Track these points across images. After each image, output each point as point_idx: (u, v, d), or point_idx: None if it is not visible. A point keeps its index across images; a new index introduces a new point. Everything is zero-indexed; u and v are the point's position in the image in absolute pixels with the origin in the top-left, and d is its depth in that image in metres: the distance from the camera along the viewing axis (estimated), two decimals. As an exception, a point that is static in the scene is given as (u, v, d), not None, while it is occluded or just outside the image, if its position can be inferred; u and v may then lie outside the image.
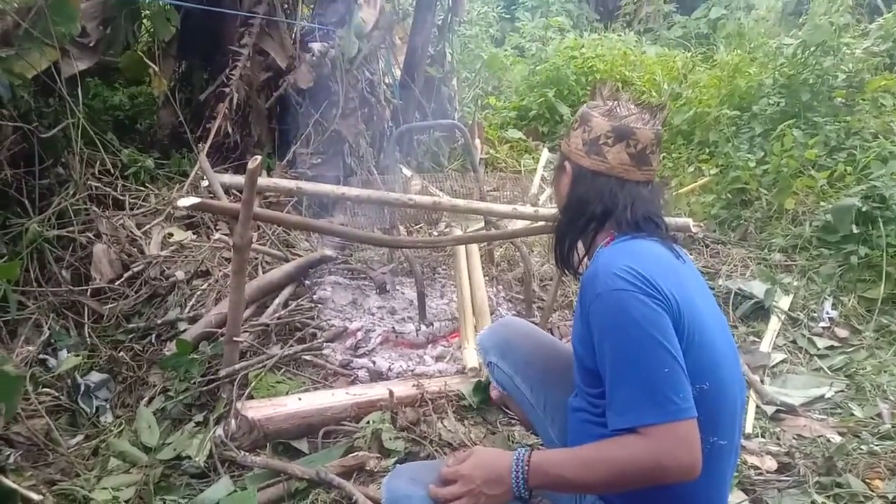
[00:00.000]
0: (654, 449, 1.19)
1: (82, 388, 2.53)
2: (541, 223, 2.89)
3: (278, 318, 2.92)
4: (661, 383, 1.20)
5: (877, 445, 2.43)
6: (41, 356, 2.71)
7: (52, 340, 2.80)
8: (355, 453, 2.20)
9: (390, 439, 2.25)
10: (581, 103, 1.49)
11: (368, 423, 2.32)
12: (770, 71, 5.33)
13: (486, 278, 3.40)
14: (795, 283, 3.68)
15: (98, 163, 3.57)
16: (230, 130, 3.98)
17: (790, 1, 7.62)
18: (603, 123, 1.42)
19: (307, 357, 2.74)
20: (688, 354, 1.26)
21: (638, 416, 1.21)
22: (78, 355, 2.67)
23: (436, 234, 4.09)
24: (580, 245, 1.54)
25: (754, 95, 5.27)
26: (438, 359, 2.87)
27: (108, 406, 2.55)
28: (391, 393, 2.41)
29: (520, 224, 3.32)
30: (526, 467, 1.31)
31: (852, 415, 2.70)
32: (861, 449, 2.41)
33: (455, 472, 1.37)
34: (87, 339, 2.83)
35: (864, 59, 4.95)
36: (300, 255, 3.42)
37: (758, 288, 3.53)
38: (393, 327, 3.05)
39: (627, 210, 1.40)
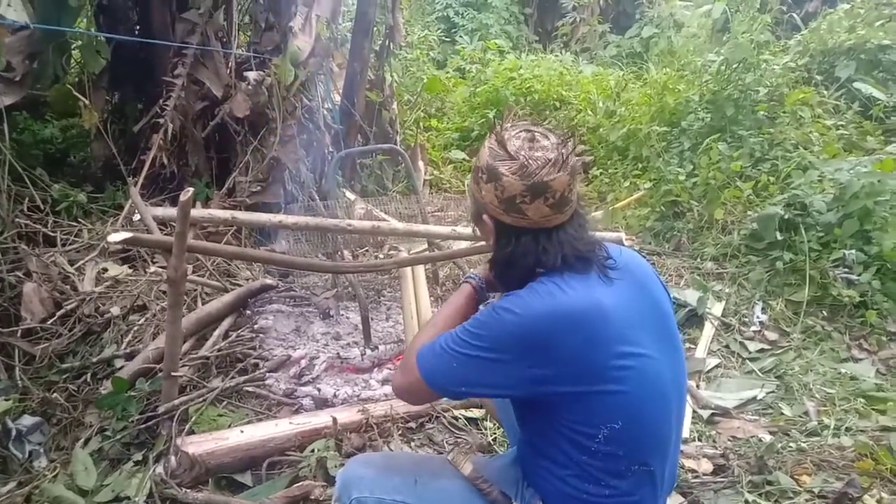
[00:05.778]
0: (407, 375, 1.43)
1: (13, 433, 2.43)
2: (482, 243, 2.94)
3: (218, 350, 2.89)
4: (447, 361, 1.35)
5: (804, 442, 2.56)
6: (-32, 402, 2.60)
7: (-20, 385, 2.69)
8: (300, 483, 2.19)
9: (335, 466, 2.24)
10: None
11: (313, 451, 2.31)
12: (696, 88, 5.57)
13: (431, 298, 3.43)
14: (727, 290, 3.84)
15: (27, 199, 3.48)
16: (166, 161, 3.93)
17: (719, 18, 7.93)
18: (515, 184, 1.33)
19: (249, 388, 2.71)
20: (599, 399, 1.29)
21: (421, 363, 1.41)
22: (8, 399, 2.58)
23: (381, 256, 4.10)
24: None
25: (682, 111, 5.47)
26: (384, 382, 2.87)
27: (41, 450, 2.46)
28: (335, 420, 2.41)
29: (463, 244, 3.37)
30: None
31: (782, 414, 2.83)
32: (790, 446, 2.53)
33: None
34: (19, 382, 2.73)
35: (783, 73, 5.22)
36: (241, 285, 3.38)
37: (692, 296, 3.66)
38: (338, 353, 3.05)
39: (558, 257, 1.36)
